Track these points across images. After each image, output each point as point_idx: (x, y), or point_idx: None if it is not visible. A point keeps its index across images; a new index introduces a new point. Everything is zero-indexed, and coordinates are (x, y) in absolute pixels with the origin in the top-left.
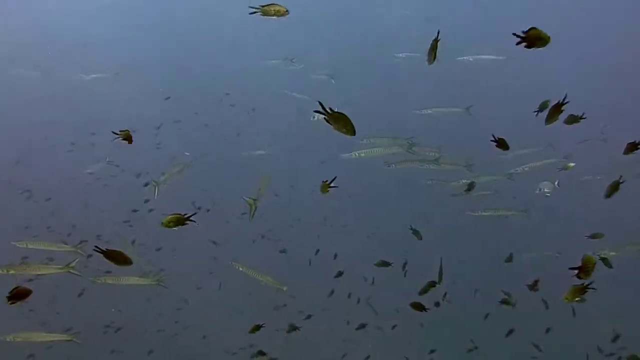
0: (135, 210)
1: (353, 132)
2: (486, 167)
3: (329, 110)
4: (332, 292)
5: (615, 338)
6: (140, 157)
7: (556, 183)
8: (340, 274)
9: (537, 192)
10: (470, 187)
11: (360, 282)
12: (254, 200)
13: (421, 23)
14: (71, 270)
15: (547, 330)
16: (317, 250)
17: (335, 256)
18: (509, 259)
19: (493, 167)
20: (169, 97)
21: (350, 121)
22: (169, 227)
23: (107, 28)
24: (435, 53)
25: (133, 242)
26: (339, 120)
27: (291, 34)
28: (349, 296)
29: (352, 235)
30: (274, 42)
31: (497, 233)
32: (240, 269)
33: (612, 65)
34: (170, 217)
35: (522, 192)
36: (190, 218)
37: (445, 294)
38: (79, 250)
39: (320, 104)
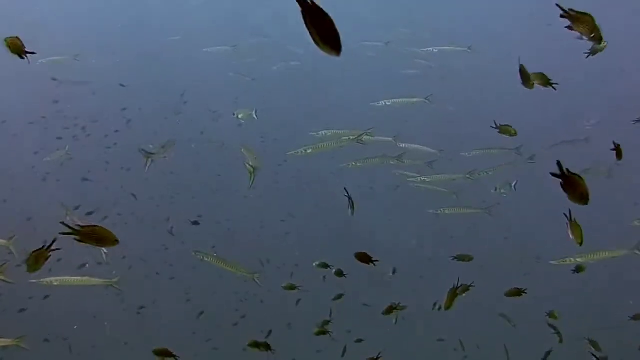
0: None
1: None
2: (448, 164)
3: (565, 172)
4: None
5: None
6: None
7: (514, 185)
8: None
9: (493, 191)
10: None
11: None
12: (253, 168)
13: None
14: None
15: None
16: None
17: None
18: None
19: (455, 164)
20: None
21: (585, 186)
22: (37, 269)
23: (65, 9)
24: None
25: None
26: (576, 187)
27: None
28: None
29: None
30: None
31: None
32: (206, 259)
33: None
34: (32, 255)
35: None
36: (52, 248)
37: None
38: (11, 247)
39: (559, 164)
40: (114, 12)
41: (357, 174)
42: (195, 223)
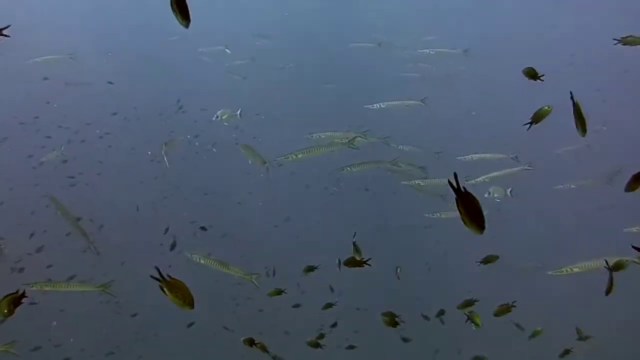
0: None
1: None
2: (442, 168)
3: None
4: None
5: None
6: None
7: (509, 191)
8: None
9: (486, 195)
10: None
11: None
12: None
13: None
14: None
15: None
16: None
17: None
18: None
19: (450, 168)
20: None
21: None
22: (6, 315)
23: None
24: None
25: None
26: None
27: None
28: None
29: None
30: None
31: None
32: (202, 261)
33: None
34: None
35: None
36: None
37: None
38: None
39: (455, 176)
40: (110, 13)
41: (352, 176)
42: (203, 229)
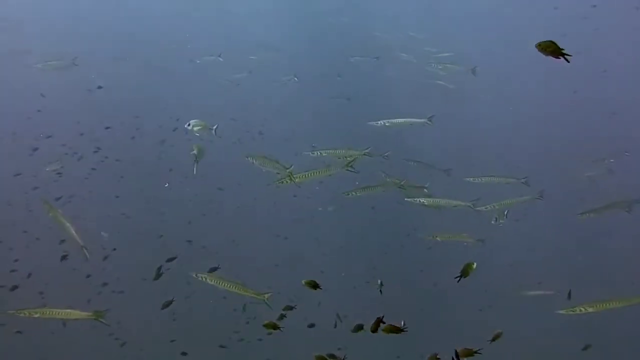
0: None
1: None
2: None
3: None
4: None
5: None
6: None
7: (505, 213)
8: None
9: (493, 222)
10: None
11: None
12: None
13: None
14: None
15: None
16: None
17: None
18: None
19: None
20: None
21: None
22: None
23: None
24: None
25: None
26: None
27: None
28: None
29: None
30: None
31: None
32: (210, 281)
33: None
34: None
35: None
36: None
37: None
38: None
39: None
40: (112, 20)
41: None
42: (213, 269)
